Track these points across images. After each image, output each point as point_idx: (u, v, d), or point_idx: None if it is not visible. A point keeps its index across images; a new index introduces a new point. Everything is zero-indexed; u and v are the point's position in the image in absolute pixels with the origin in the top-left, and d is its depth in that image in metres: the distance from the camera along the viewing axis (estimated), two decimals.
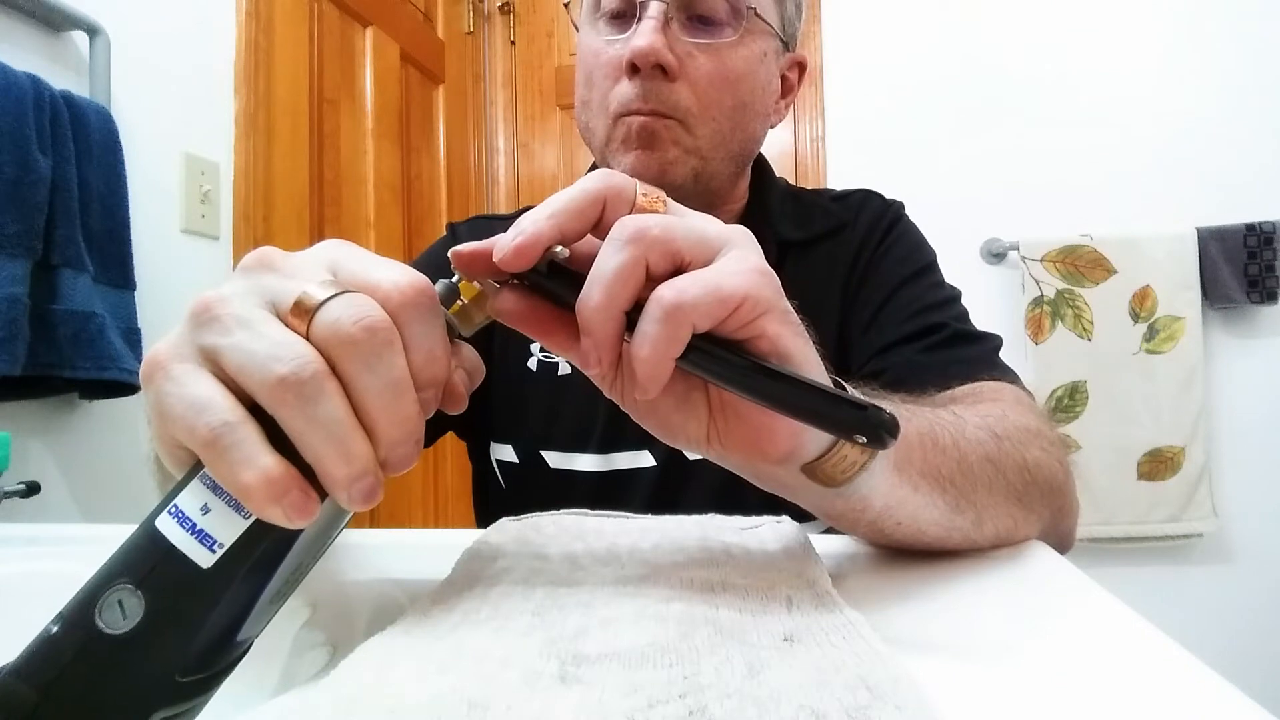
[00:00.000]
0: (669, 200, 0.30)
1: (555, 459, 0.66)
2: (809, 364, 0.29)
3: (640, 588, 0.30)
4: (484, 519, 0.75)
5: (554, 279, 0.28)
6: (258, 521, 0.23)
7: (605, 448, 0.65)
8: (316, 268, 0.26)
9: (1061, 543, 0.46)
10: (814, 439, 0.30)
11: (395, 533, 0.57)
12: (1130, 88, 1.68)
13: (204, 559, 0.23)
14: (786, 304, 0.29)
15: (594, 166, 0.72)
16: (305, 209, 1.42)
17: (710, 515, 0.41)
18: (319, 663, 0.31)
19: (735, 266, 0.27)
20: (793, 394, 0.27)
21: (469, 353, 0.30)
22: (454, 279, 0.29)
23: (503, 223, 0.77)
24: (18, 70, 0.89)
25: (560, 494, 0.63)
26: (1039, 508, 0.43)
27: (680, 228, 0.28)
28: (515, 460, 0.68)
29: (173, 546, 0.23)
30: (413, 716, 0.19)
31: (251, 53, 1.30)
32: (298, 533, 0.24)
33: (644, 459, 0.64)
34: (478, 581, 0.31)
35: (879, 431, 0.26)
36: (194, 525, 0.23)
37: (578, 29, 0.66)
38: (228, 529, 0.23)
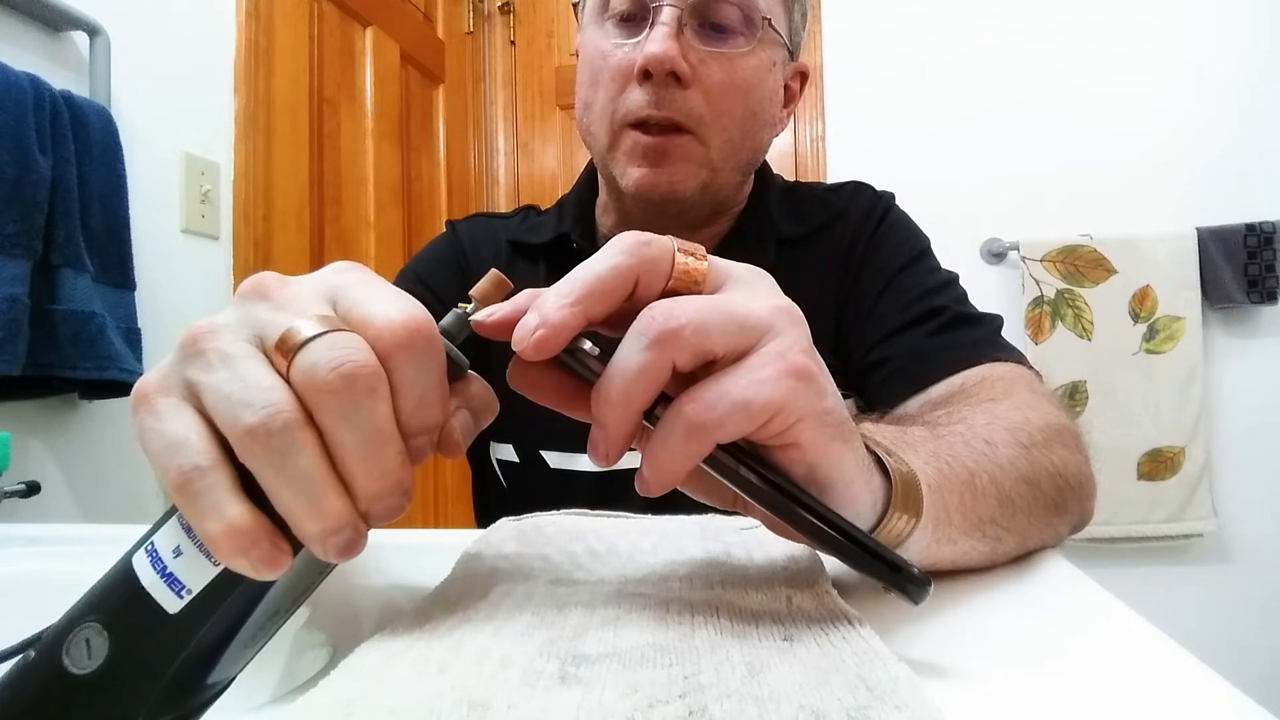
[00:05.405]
0: (711, 261, 0.27)
1: (555, 459, 0.66)
2: (842, 476, 0.27)
3: (640, 587, 0.30)
4: (484, 519, 0.75)
5: (574, 355, 0.26)
6: (227, 569, 0.22)
7: None
8: (313, 299, 0.24)
9: (1083, 521, 0.46)
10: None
11: (395, 533, 0.57)
12: (1130, 88, 1.68)
13: (171, 604, 0.22)
14: (827, 403, 0.26)
15: (591, 166, 0.72)
16: (305, 209, 1.42)
17: (710, 515, 0.41)
18: (319, 663, 0.31)
19: (772, 370, 0.25)
20: (821, 534, 0.26)
21: (479, 389, 0.27)
22: (468, 308, 0.27)
23: (503, 221, 0.78)
24: (18, 70, 0.89)
25: (560, 494, 0.62)
26: (1073, 506, 0.43)
27: (716, 322, 0.25)
28: (515, 460, 0.68)
29: (142, 588, 0.22)
30: (413, 716, 0.19)
31: (251, 53, 1.30)
32: (271, 582, 0.23)
33: None
34: (477, 581, 0.31)
35: (911, 589, 0.25)
36: (164, 568, 0.22)
37: (581, 27, 0.66)
38: (197, 575, 0.22)
